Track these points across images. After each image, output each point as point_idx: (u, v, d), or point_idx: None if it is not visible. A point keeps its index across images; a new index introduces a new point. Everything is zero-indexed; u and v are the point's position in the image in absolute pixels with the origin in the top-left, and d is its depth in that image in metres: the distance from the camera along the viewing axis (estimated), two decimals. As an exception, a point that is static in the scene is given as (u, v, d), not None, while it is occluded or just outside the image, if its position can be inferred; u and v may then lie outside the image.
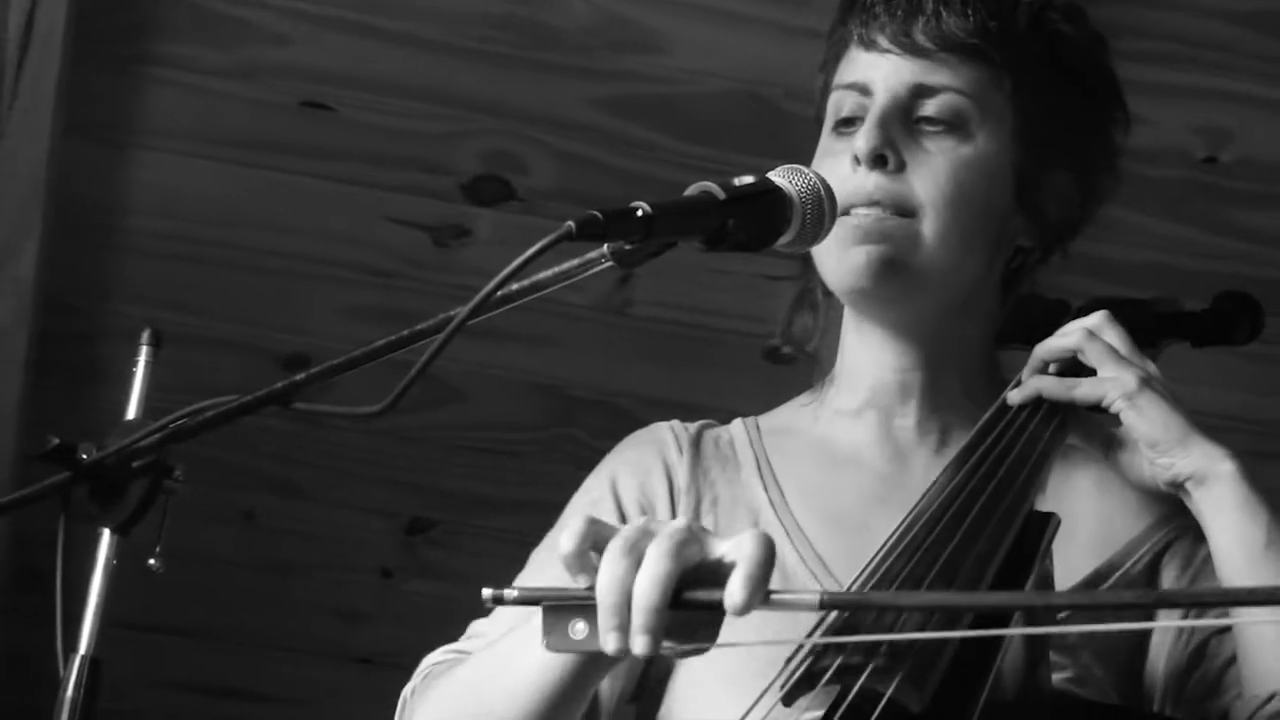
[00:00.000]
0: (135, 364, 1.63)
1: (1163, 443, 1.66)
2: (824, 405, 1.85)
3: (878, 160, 1.74)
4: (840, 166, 1.75)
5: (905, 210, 1.74)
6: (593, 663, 1.49)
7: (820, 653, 1.37)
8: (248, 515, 2.89)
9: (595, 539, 1.37)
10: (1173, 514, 1.74)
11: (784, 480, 1.80)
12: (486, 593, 1.35)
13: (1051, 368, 1.75)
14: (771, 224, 1.53)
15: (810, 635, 1.41)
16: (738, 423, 1.87)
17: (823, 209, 1.55)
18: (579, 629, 1.34)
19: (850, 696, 1.35)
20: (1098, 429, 1.75)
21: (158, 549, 1.56)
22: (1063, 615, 1.70)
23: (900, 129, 1.75)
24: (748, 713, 1.36)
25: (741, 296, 2.74)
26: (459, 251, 2.76)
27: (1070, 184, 1.82)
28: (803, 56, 2.56)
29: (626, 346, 2.83)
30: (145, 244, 2.74)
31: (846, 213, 1.73)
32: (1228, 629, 1.69)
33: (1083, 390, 1.69)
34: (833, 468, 1.80)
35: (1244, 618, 1.64)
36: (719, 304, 2.79)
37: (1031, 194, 1.79)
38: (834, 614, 1.41)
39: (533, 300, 2.85)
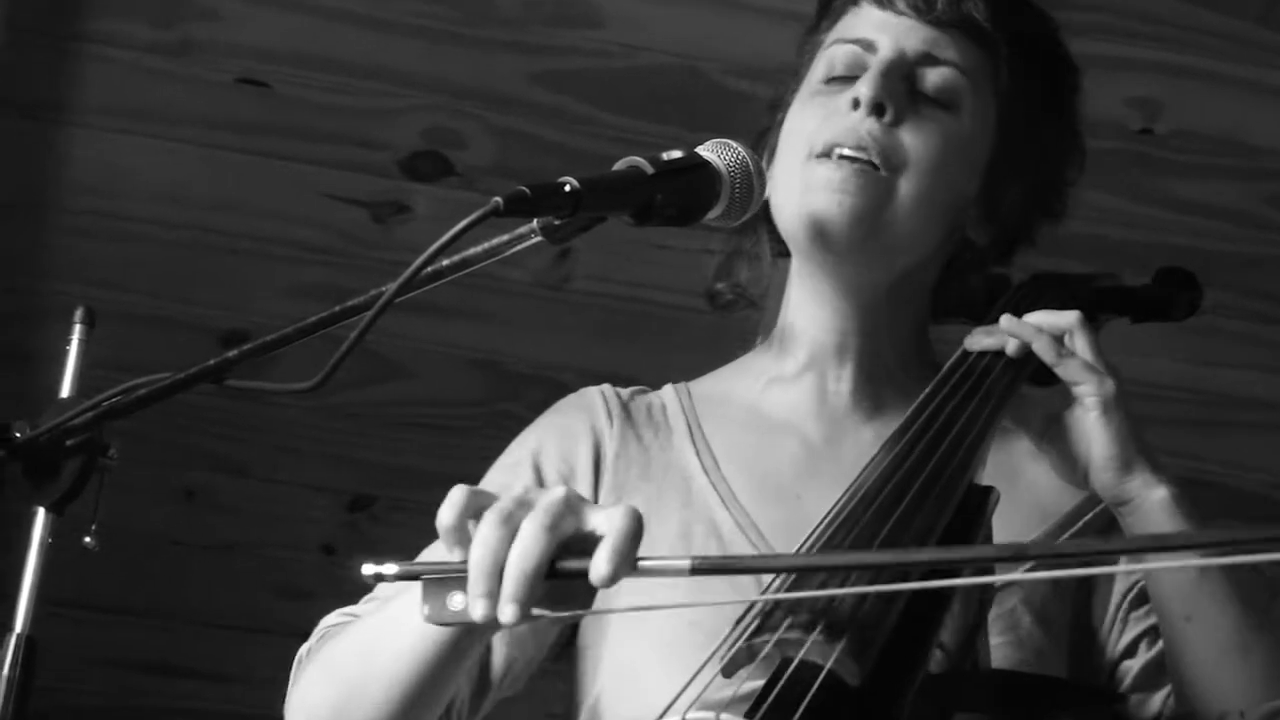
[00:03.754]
0: (69, 342, 1.63)
1: (1113, 459, 1.67)
2: (761, 371, 1.85)
3: (877, 108, 1.74)
4: (833, 104, 1.75)
5: (891, 164, 1.74)
6: (469, 633, 1.49)
7: (760, 625, 1.37)
8: (189, 493, 2.89)
9: (475, 510, 1.37)
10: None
11: (716, 446, 1.80)
12: (367, 569, 1.35)
13: (1011, 346, 1.76)
14: (700, 198, 1.54)
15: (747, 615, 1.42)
16: (668, 388, 1.87)
17: (751, 184, 1.56)
18: (456, 601, 1.35)
19: (790, 669, 1.35)
20: (1035, 409, 1.76)
21: (93, 526, 1.57)
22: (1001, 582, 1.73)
23: (901, 87, 1.76)
24: (687, 685, 1.35)
25: (681, 271, 2.74)
26: (397, 228, 2.76)
27: (1025, 194, 1.84)
28: (741, 30, 2.58)
29: (567, 321, 2.84)
30: (81, 222, 2.73)
31: (828, 154, 1.73)
32: (1156, 629, 1.71)
33: (1070, 366, 1.69)
34: (765, 435, 1.81)
35: (1176, 647, 1.66)
36: (658, 278, 2.79)
37: (993, 190, 1.81)
38: (777, 584, 1.42)
39: (472, 276, 2.86)
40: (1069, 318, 1.72)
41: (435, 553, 1.72)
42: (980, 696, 1.52)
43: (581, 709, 1.74)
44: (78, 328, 1.64)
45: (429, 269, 1.50)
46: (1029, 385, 1.77)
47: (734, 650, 1.36)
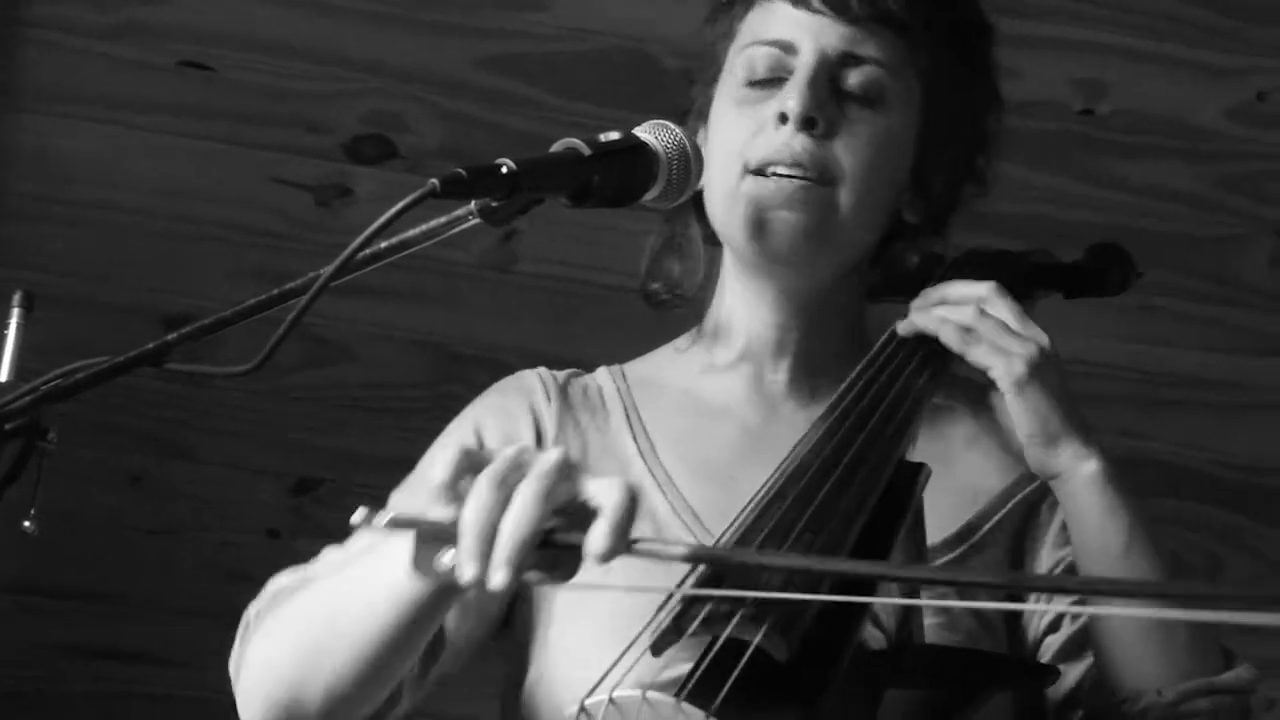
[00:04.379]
0: (7, 326, 1.63)
1: (1035, 435, 1.68)
2: (696, 357, 1.85)
3: (808, 123, 1.73)
4: (756, 121, 1.74)
5: (827, 178, 1.73)
6: (445, 593, 1.48)
7: (689, 603, 1.38)
8: (134, 477, 2.88)
9: (470, 468, 1.36)
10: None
11: (653, 430, 1.80)
12: (359, 514, 1.33)
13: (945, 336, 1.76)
14: (637, 179, 1.54)
15: (680, 586, 1.42)
16: (603, 371, 1.87)
17: (689, 165, 1.57)
18: (446, 558, 1.34)
19: (717, 646, 1.36)
20: (967, 385, 1.77)
21: (32, 510, 1.56)
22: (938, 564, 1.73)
23: (827, 94, 1.74)
24: (615, 664, 1.36)
25: (625, 252, 2.73)
26: (341, 211, 2.75)
27: (956, 163, 1.83)
28: (689, 13, 2.57)
29: (512, 304, 2.84)
30: (25, 207, 2.73)
31: (762, 171, 1.73)
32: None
33: (978, 352, 1.70)
34: (701, 419, 1.81)
35: (1100, 621, 1.67)
36: (604, 260, 2.79)
37: (924, 169, 1.80)
38: (703, 566, 1.42)
39: (416, 259, 2.85)
40: (983, 287, 1.73)
41: (404, 499, 1.72)
42: (913, 672, 1.53)
43: (522, 688, 1.74)
44: (16, 311, 1.63)
45: (367, 251, 1.49)
46: (962, 362, 1.78)
47: (662, 628, 1.36)
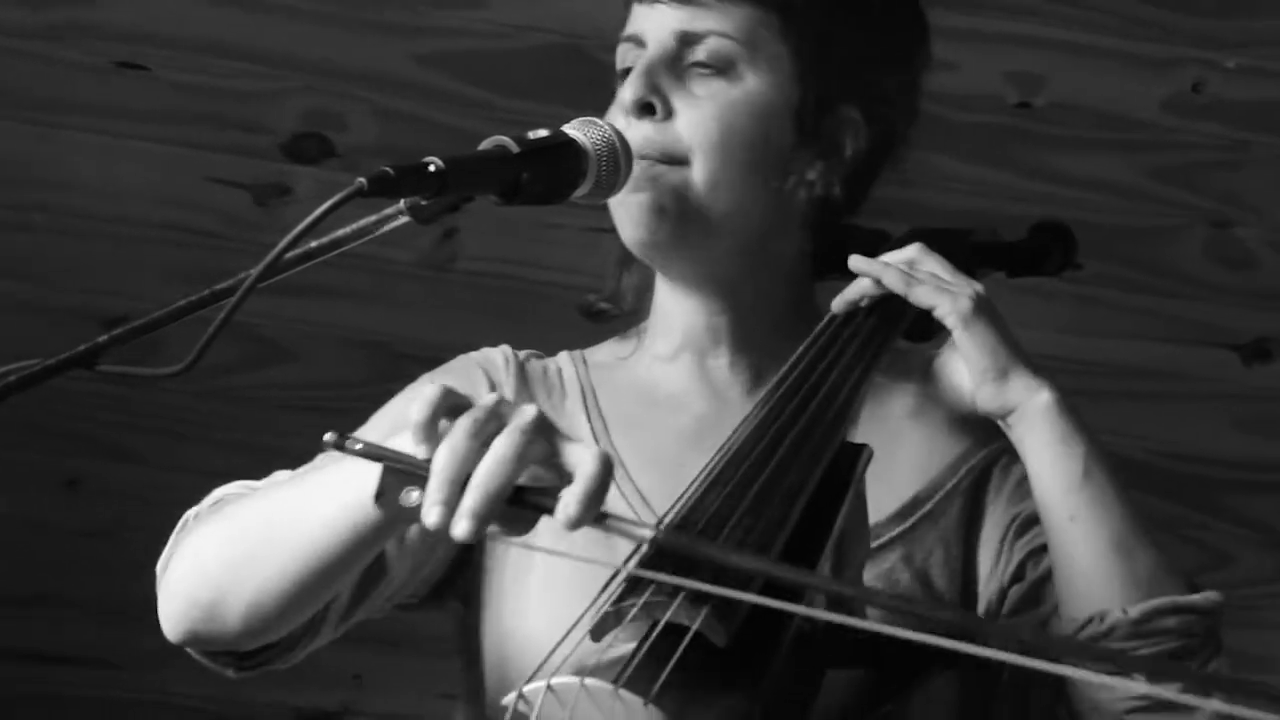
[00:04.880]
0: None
1: (988, 370, 1.69)
2: (643, 350, 1.86)
3: (644, 109, 1.74)
4: (619, 118, 1.75)
5: (675, 158, 1.74)
6: (393, 526, 1.48)
7: (630, 587, 1.38)
8: (72, 480, 2.88)
9: (447, 411, 1.36)
10: (990, 436, 1.77)
11: (608, 414, 1.81)
12: (329, 436, 1.33)
13: (864, 301, 1.77)
14: (567, 176, 1.55)
15: (625, 564, 1.42)
16: (564, 355, 1.88)
17: (618, 160, 1.57)
18: (413, 497, 1.33)
19: (655, 631, 1.35)
20: (912, 360, 1.78)
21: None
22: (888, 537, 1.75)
23: (668, 76, 1.75)
24: (554, 649, 1.36)
25: (566, 249, 2.75)
26: (280, 210, 2.75)
27: (857, 115, 1.81)
28: (623, 9, 2.58)
29: (453, 302, 2.84)
30: (-41, 209, 2.72)
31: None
32: (1043, 548, 1.72)
33: (920, 291, 1.70)
34: (653, 407, 1.82)
35: (1061, 549, 1.67)
36: (544, 257, 2.80)
37: (816, 130, 1.79)
38: (646, 546, 1.42)
39: (357, 258, 2.85)
40: (909, 249, 1.74)
41: (375, 433, 1.72)
42: (855, 654, 1.53)
43: (480, 668, 1.75)
44: (-52, 315, 1.63)
45: (297, 251, 1.50)
46: (905, 341, 1.79)
47: (602, 614, 1.36)
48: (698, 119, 1.74)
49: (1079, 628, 1.65)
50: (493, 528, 1.33)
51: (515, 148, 1.50)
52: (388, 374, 2.94)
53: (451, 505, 1.32)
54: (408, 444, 1.36)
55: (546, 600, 1.69)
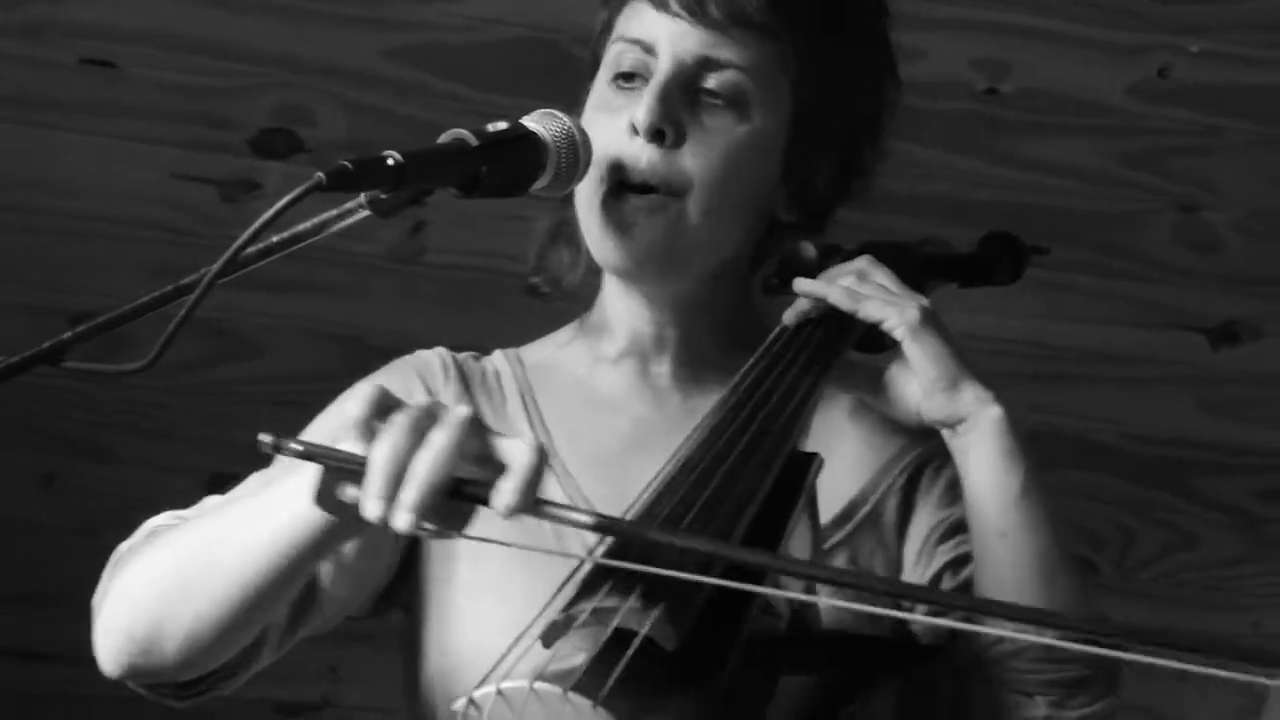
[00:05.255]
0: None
1: (938, 380, 1.69)
2: (585, 349, 1.86)
3: (656, 135, 1.72)
4: (617, 124, 1.73)
5: (675, 189, 1.73)
6: (335, 532, 1.47)
7: (580, 593, 1.38)
8: (48, 478, 2.87)
9: (383, 410, 1.37)
10: (923, 438, 1.77)
11: (548, 417, 1.81)
12: (265, 438, 1.34)
13: (814, 313, 1.77)
14: (526, 169, 1.55)
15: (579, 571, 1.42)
16: (499, 355, 1.87)
17: (577, 154, 1.57)
18: (350, 493, 1.34)
19: (605, 636, 1.35)
20: (858, 373, 1.77)
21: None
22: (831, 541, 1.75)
23: (681, 101, 1.73)
24: (504, 655, 1.36)
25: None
26: (248, 206, 2.75)
27: (836, 160, 1.82)
28: (593, 2, 2.58)
29: (423, 294, 2.84)
30: (-73, 208, 2.71)
31: (614, 182, 1.72)
32: (963, 559, 1.73)
33: (868, 306, 1.71)
34: (594, 410, 1.82)
35: (987, 564, 1.68)
36: (513, 249, 2.78)
37: (799, 172, 1.79)
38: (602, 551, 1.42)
39: (326, 252, 2.84)
40: (857, 262, 1.74)
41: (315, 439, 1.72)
42: (809, 658, 1.54)
43: (421, 673, 1.75)
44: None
45: (258, 246, 1.50)
46: (856, 352, 1.78)
47: (551, 620, 1.36)
48: (705, 153, 1.73)
49: (991, 643, 1.66)
50: (429, 525, 1.33)
51: (474, 141, 1.50)
52: (357, 367, 2.92)
53: (390, 499, 1.33)
54: (344, 444, 1.37)
55: (493, 609, 1.68)
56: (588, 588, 1.38)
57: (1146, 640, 1.18)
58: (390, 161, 1.44)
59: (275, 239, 1.53)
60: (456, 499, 1.34)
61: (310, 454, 1.35)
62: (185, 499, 2.86)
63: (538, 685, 1.32)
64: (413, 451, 1.34)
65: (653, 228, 1.73)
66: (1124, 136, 2.83)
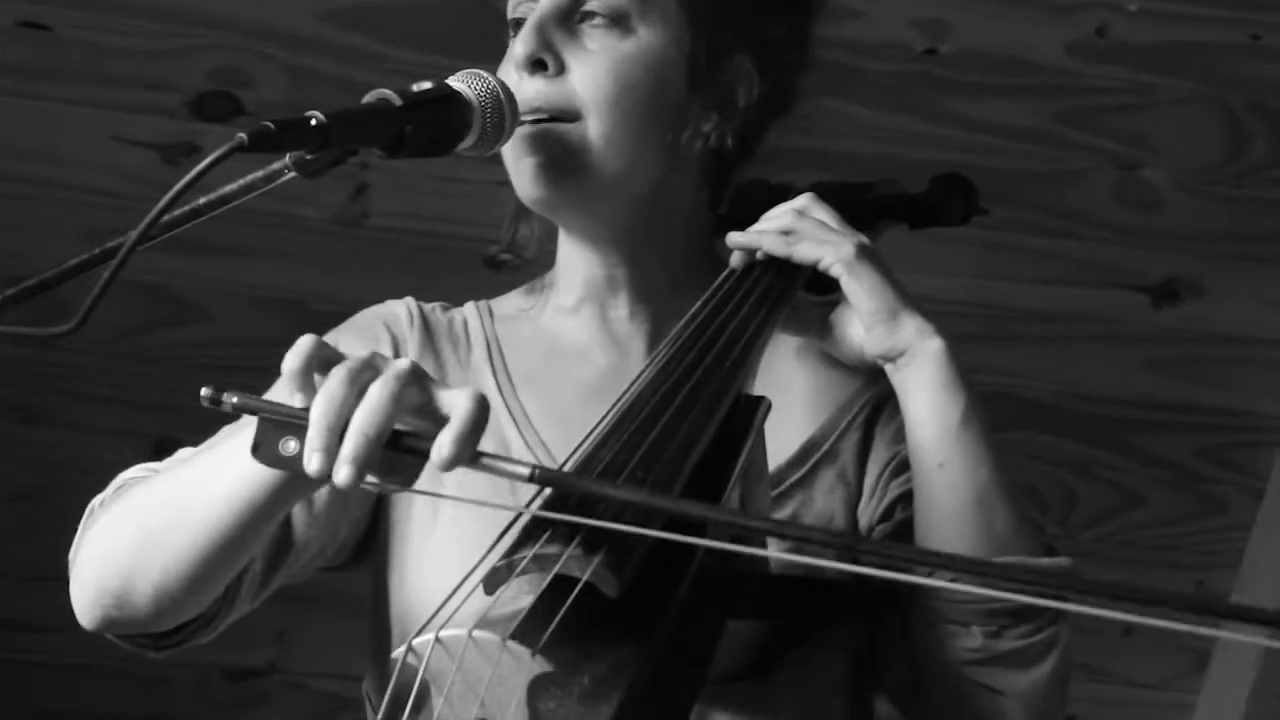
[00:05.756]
0: None
1: (877, 312, 1.70)
2: (546, 303, 1.87)
3: (536, 65, 1.73)
4: (511, 73, 1.74)
5: (569, 114, 1.73)
6: (290, 487, 1.48)
7: (521, 539, 1.37)
8: (-12, 443, 2.87)
9: (321, 362, 1.37)
10: (880, 376, 1.77)
11: (513, 367, 1.82)
12: (205, 391, 1.34)
13: (760, 254, 1.78)
14: (451, 128, 1.55)
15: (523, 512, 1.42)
16: (470, 306, 1.89)
17: (503, 112, 1.57)
18: (290, 447, 1.33)
19: (546, 583, 1.35)
20: (808, 316, 1.78)
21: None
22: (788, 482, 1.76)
23: (560, 30, 1.75)
24: (444, 602, 1.36)
25: (478, 203, 2.72)
26: (189, 169, 2.70)
27: (750, 66, 1.81)
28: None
29: (366, 258, 2.83)
30: None
31: (523, 120, 1.73)
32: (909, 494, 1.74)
33: (802, 248, 1.71)
34: (557, 360, 1.83)
35: (926, 495, 1.69)
36: (456, 212, 2.79)
37: (709, 81, 1.79)
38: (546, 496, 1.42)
39: (268, 215, 2.85)
40: (798, 200, 1.75)
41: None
42: (757, 602, 1.54)
43: (385, 618, 1.76)
44: None
45: (184, 208, 1.50)
46: (806, 294, 1.79)
47: (493, 567, 1.36)
48: (590, 74, 1.73)
49: (930, 574, 1.66)
50: (374, 479, 1.33)
51: (398, 101, 1.50)
52: (301, 331, 2.86)
53: (331, 452, 1.32)
54: (283, 396, 1.36)
55: (446, 556, 1.69)
56: (529, 534, 1.37)
57: (1091, 591, 1.18)
58: (313, 122, 1.44)
59: (202, 200, 1.53)
60: (396, 451, 1.33)
61: (248, 407, 1.34)
62: (130, 464, 2.87)
63: (476, 633, 1.32)
64: (352, 404, 1.33)
65: (544, 152, 1.73)
66: (1063, 95, 2.83)
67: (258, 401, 1.35)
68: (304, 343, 1.37)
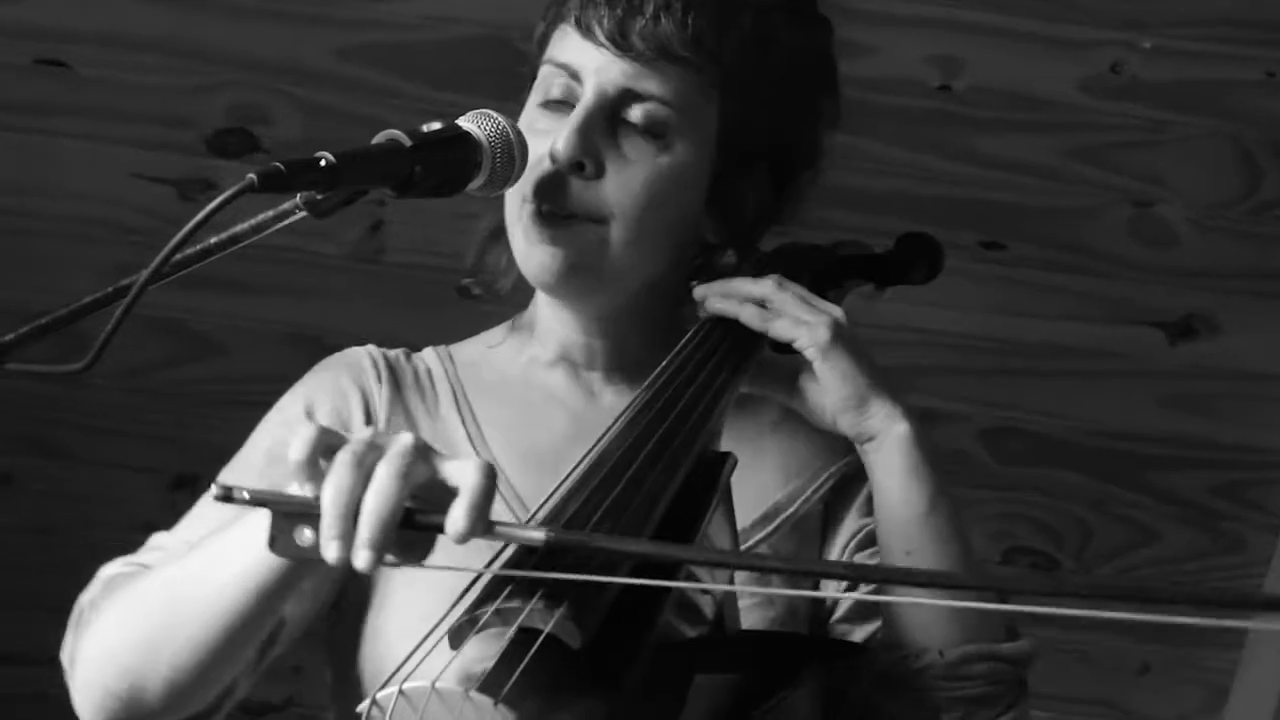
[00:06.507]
0: None
1: (848, 399, 1.70)
2: (518, 348, 1.87)
3: (575, 167, 1.73)
4: (541, 148, 1.73)
5: (597, 216, 1.73)
6: (294, 575, 1.49)
7: (487, 593, 1.37)
8: (6, 478, 2.87)
9: (325, 448, 1.37)
10: (848, 449, 1.78)
11: (481, 416, 1.82)
12: (215, 489, 1.33)
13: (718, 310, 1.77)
14: (461, 169, 1.55)
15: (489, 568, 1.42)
16: (429, 352, 1.88)
17: (512, 154, 1.58)
18: (306, 536, 1.34)
19: (510, 635, 1.35)
20: (778, 372, 1.78)
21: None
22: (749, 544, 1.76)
23: (602, 131, 1.73)
24: (408, 656, 1.35)
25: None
26: (206, 205, 2.73)
27: (766, 184, 1.82)
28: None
29: (383, 294, 2.85)
30: (-116, 209, 2.72)
31: (538, 205, 1.73)
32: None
33: (779, 325, 1.72)
34: (526, 407, 1.83)
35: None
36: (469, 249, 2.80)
37: (726, 198, 1.80)
38: (511, 550, 1.42)
39: (285, 252, 2.86)
40: (764, 285, 1.74)
41: (233, 478, 1.72)
42: (725, 658, 1.54)
43: (355, 670, 1.75)
44: None
45: (196, 247, 1.51)
46: (774, 351, 1.79)
47: (457, 621, 1.36)
48: (625, 185, 1.73)
49: (897, 658, 1.68)
50: (391, 557, 1.34)
51: (407, 141, 1.51)
52: (318, 366, 2.96)
53: (348, 538, 1.33)
54: (291, 488, 1.36)
55: (413, 611, 1.68)
56: (493, 589, 1.37)
57: (1114, 596, 1.19)
58: (323, 163, 1.44)
59: (213, 240, 1.54)
60: (411, 528, 1.34)
61: (261, 500, 1.35)
62: (148, 499, 2.89)
63: (439, 685, 1.32)
64: (361, 488, 1.34)
65: (573, 252, 1.73)
66: (1077, 132, 2.84)
67: (269, 494, 1.35)
68: (307, 432, 1.36)
